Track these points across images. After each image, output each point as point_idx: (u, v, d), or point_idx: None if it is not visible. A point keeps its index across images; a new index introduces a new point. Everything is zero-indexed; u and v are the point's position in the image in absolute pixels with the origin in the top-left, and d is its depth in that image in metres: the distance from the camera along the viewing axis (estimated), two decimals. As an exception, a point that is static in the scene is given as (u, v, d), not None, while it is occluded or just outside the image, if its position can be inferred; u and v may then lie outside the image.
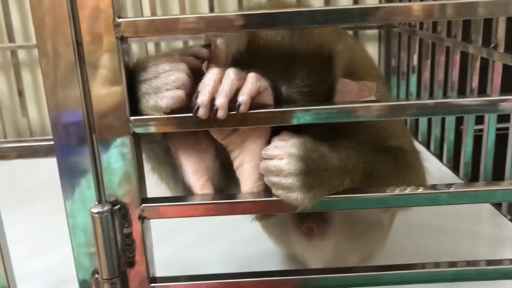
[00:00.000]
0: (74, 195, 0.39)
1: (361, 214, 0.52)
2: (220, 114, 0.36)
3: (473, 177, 0.88)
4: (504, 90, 0.76)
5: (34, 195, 0.89)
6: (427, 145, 1.05)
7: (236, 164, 0.41)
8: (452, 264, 0.43)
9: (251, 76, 0.37)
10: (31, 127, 1.25)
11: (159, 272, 0.43)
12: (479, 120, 0.84)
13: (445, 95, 0.96)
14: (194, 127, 0.38)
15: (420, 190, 0.39)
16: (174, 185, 0.46)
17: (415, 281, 0.43)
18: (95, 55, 0.36)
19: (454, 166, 0.95)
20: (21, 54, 1.22)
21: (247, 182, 0.40)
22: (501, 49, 0.72)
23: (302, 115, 0.37)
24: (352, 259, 0.57)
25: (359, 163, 0.40)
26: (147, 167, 0.47)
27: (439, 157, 0.99)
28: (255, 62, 0.40)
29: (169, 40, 1.19)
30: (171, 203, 0.39)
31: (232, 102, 0.36)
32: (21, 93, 1.22)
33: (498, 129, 0.78)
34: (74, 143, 0.38)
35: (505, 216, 0.75)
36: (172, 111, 0.37)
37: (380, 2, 1.20)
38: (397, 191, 0.39)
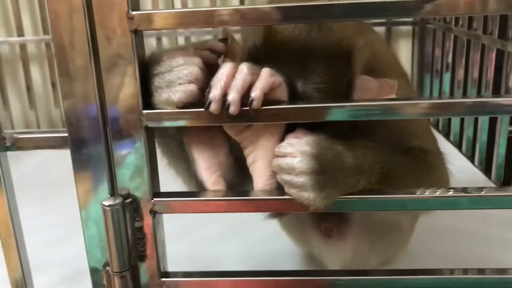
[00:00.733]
0: (87, 187, 0.39)
1: (380, 216, 0.50)
2: (232, 109, 0.35)
3: (506, 180, 0.85)
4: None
5: (60, 186, 0.91)
6: (459, 146, 1.02)
7: (249, 160, 0.40)
8: (480, 271, 0.41)
9: (265, 71, 0.36)
10: (63, 119, 1.28)
11: (176, 267, 0.43)
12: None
13: (479, 94, 0.92)
14: (207, 122, 0.37)
15: (439, 193, 0.37)
16: (189, 180, 0.46)
17: (434, 287, 0.41)
18: (109, 48, 0.36)
19: (487, 169, 0.91)
20: (55, 47, 1.25)
21: (260, 179, 0.39)
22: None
23: (317, 112, 0.36)
24: (371, 261, 0.55)
25: (376, 163, 0.38)
26: (164, 162, 0.47)
27: (471, 158, 0.96)
28: (271, 57, 0.39)
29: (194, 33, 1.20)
30: (182, 198, 0.39)
31: (246, 97, 0.36)
32: (54, 85, 1.25)
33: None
34: (87, 136, 0.38)
35: (538, 223, 0.72)
36: (185, 106, 0.37)
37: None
38: (414, 193, 0.38)
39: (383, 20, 1.19)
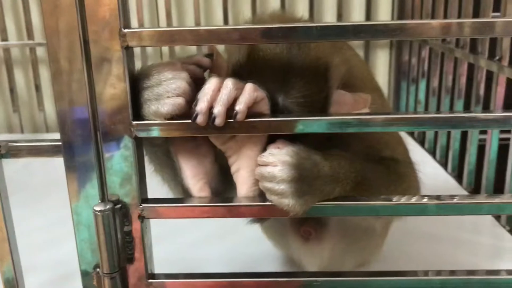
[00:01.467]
0: (79, 193, 0.41)
1: (355, 221, 0.53)
2: (218, 121, 0.38)
3: (476, 186, 0.89)
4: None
5: (46, 190, 0.92)
6: (433, 154, 1.06)
7: (233, 169, 0.42)
8: (451, 272, 0.43)
9: (249, 87, 0.38)
10: (47, 122, 1.29)
11: (161, 269, 0.45)
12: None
13: (451, 101, 0.97)
14: (193, 133, 0.39)
15: (405, 200, 0.40)
16: (175, 187, 0.48)
17: (405, 288, 0.44)
18: (101, 63, 0.38)
19: (459, 175, 0.96)
20: (40, 51, 1.25)
21: (243, 186, 0.41)
22: (505, 62, 0.73)
23: (296, 124, 0.39)
24: (348, 264, 0.58)
25: (351, 172, 0.41)
26: (150, 168, 0.49)
27: (444, 166, 1.00)
28: (254, 73, 0.41)
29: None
30: (169, 204, 0.41)
31: (230, 110, 0.38)
32: (38, 88, 1.26)
33: (501, 139, 0.79)
34: (79, 143, 0.40)
35: (504, 227, 0.75)
36: (172, 118, 0.39)
37: (392, 18, 1.21)
38: (385, 200, 0.40)
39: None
